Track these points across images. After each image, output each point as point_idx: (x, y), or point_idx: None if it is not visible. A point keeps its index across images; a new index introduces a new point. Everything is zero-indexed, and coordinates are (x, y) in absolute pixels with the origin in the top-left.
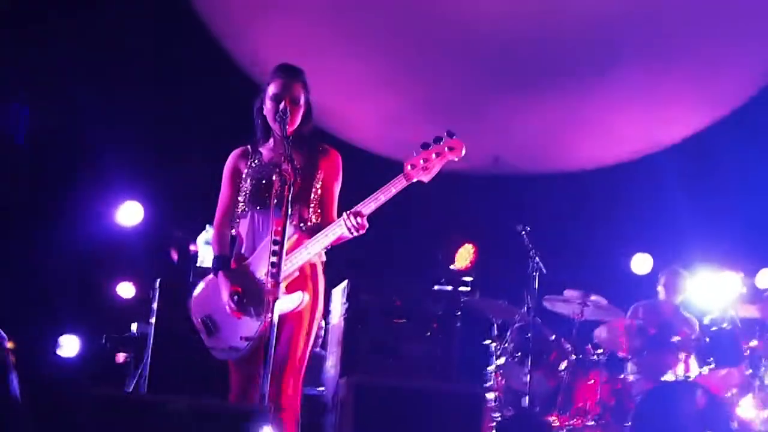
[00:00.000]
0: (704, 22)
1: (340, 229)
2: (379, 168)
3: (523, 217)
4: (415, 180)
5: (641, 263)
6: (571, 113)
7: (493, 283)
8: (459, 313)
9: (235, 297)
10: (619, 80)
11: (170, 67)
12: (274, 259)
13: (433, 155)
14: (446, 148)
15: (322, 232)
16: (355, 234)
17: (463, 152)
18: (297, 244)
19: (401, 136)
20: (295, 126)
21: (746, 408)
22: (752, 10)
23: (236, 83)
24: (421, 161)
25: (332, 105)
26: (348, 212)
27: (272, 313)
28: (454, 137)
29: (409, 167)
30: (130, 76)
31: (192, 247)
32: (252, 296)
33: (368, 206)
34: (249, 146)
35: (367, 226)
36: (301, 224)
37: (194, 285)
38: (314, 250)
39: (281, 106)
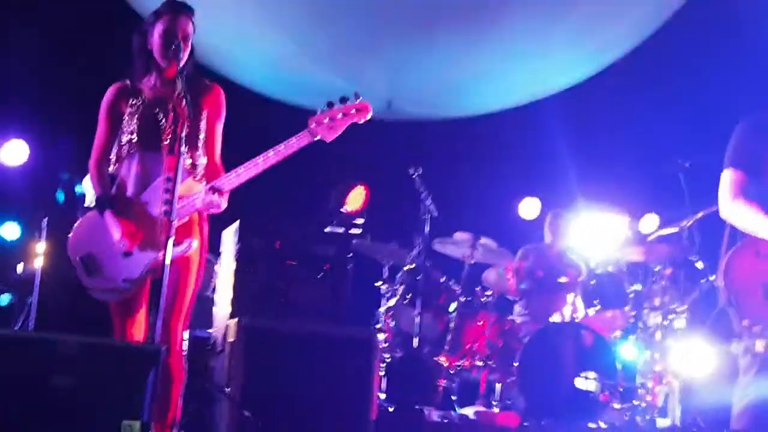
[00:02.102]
0: None
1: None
2: (268, 110)
3: (414, 160)
4: (318, 137)
5: (529, 207)
6: (463, 59)
7: (384, 226)
8: (350, 255)
9: (130, 235)
10: (509, 27)
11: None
12: (167, 197)
13: (340, 115)
14: (354, 110)
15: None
16: (212, 210)
17: (369, 115)
18: (191, 188)
19: (292, 79)
20: (183, 63)
21: (629, 349)
22: None
23: (124, 18)
24: (327, 119)
25: (220, 44)
26: (209, 186)
27: (165, 252)
28: (360, 99)
29: (313, 124)
30: (12, 8)
31: (78, 188)
32: (144, 235)
33: (268, 161)
34: (128, 82)
35: (223, 206)
36: (194, 167)
37: None
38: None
39: (175, 42)
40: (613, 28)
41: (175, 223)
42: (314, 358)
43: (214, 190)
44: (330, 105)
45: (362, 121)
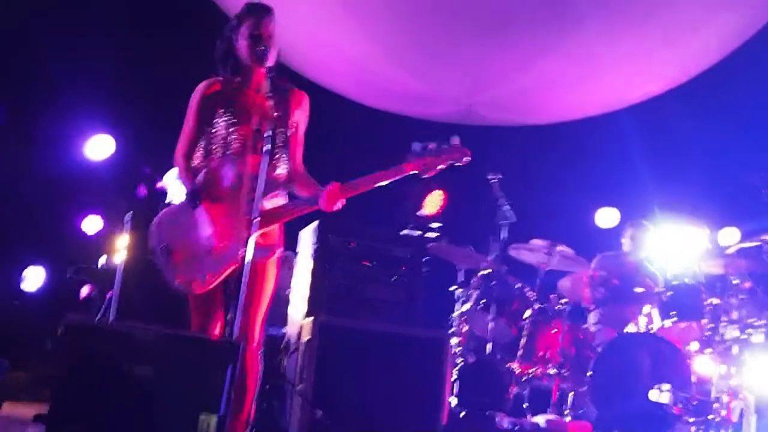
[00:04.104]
0: None
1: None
2: (344, 110)
3: (492, 165)
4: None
5: (607, 217)
6: (542, 66)
7: (460, 230)
8: (426, 258)
9: (219, 232)
10: (590, 36)
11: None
12: (251, 196)
13: (440, 165)
14: (457, 155)
15: (299, 202)
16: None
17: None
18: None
19: (370, 80)
20: (272, 64)
21: (705, 362)
22: None
23: (208, 16)
24: (424, 165)
25: (299, 44)
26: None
27: (247, 249)
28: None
29: (411, 164)
30: (101, 9)
31: (160, 184)
32: (230, 232)
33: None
34: (219, 79)
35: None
36: (279, 165)
37: None
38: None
39: (262, 44)
40: (701, 38)
41: (256, 222)
42: (388, 359)
43: (342, 189)
44: (439, 150)
45: (459, 164)
